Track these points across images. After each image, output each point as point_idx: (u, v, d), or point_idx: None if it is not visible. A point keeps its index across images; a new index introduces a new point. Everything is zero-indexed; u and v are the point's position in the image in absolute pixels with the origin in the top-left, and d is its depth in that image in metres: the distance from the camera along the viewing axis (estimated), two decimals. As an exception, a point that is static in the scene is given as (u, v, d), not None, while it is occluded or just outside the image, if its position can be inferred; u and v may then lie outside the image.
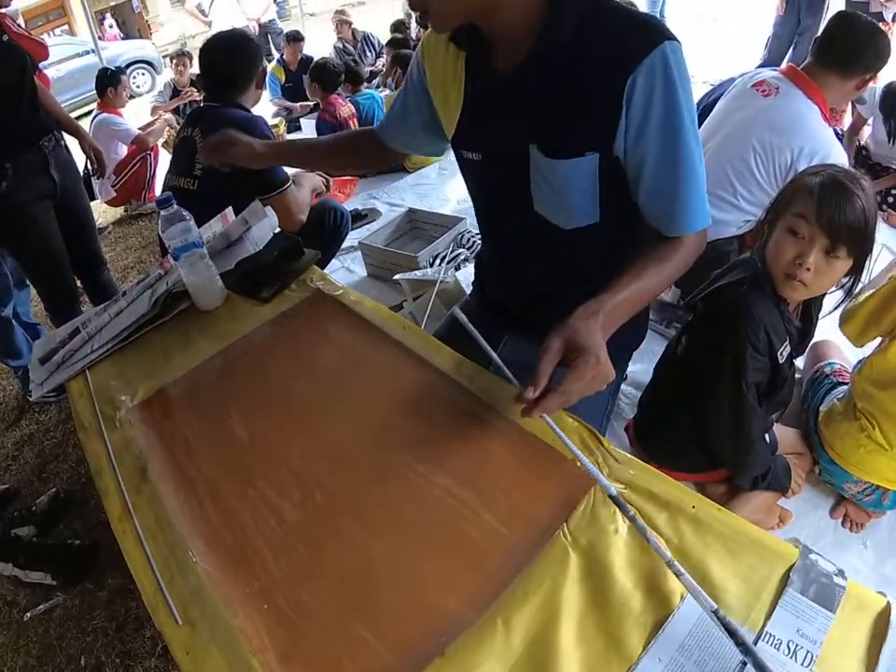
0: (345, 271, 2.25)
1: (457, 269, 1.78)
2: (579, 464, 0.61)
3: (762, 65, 4.20)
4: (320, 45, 5.66)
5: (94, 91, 6.07)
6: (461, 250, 1.88)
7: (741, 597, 0.50)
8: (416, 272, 1.81)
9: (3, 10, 1.95)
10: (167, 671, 1.16)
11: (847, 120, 2.63)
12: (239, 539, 0.60)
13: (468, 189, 0.97)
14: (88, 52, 6.46)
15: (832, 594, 0.50)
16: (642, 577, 0.51)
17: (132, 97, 4.28)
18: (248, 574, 0.57)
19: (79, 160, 1.96)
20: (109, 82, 3.33)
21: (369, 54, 5.19)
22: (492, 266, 1.03)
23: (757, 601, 0.50)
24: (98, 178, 2.16)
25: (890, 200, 2.44)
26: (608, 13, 0.71)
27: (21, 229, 1.54)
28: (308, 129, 4.02)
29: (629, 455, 0.63)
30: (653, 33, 0.68)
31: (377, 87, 4.29)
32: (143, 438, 0.74)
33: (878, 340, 1.10)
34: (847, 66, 1.34)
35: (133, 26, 10.21)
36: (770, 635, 0.48)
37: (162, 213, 0.89)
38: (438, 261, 1.86)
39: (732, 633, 0.45)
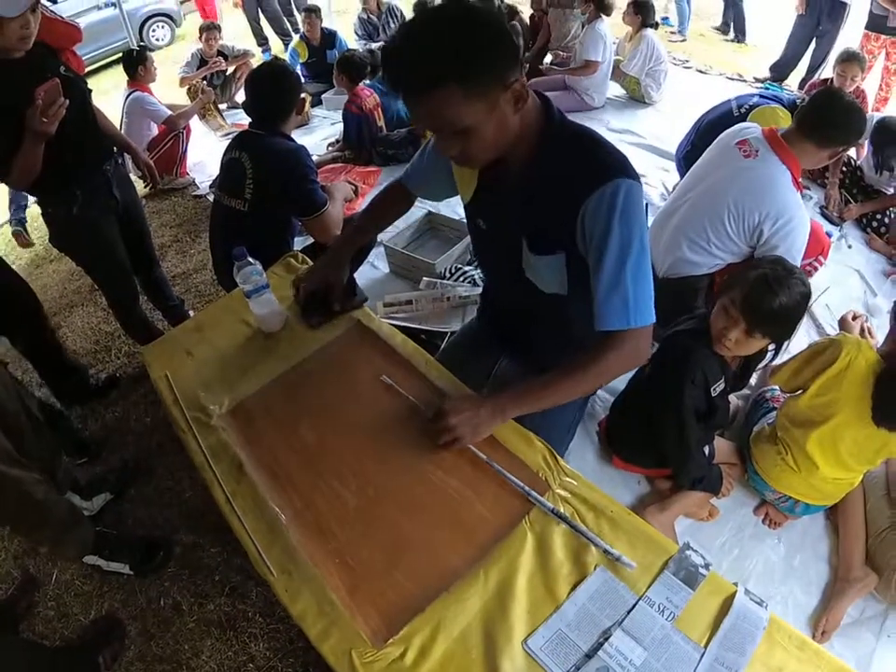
0: (370, 266, 2.45)
1: (474, 284, 2.05)
2: (540, 474, 0.90)
3: (777, 63, 4.23)
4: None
5: (114, 45, 6.13)
6: (470, 269, 2.14)
7: (634, 572, 0.79)
8: (437, 281, 2.09)
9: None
10: (234, 606, 1.38)
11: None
12: (316, 517, 0.89)
13: (474, 248, 1.25)
14: (108, 5, 6.37)
15: (695, 578, 0.78)
16: (570, 552, 0.81)
17: (151, 50, 4.20)
18: (324, 540, 0.86)
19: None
20: (138, 61, 3.40)
21: (392, 26, 5.22)
22: (491, 304, 1.34)
23: (643, 576, 0.79)
24: (151, 190, 2.34)
25: (874, 224, 2.62)
26: (589, 142, 0.93)
27: (91, 244, 1.75)
28: (329, 105, 4.31)
29: (575, 471, 0.92)
30: (613, 169, 0.88)
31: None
32: (235, 440, 1.01)
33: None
34: (823, 139, 1.49)
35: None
36: (648, 598, 0.77)
37: (237, 264, 1.14)
38: (453, 273, 2.12)
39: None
